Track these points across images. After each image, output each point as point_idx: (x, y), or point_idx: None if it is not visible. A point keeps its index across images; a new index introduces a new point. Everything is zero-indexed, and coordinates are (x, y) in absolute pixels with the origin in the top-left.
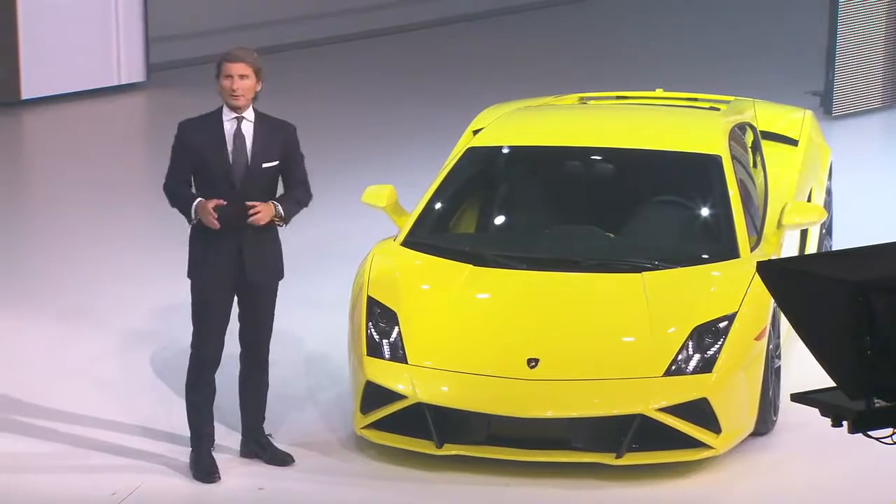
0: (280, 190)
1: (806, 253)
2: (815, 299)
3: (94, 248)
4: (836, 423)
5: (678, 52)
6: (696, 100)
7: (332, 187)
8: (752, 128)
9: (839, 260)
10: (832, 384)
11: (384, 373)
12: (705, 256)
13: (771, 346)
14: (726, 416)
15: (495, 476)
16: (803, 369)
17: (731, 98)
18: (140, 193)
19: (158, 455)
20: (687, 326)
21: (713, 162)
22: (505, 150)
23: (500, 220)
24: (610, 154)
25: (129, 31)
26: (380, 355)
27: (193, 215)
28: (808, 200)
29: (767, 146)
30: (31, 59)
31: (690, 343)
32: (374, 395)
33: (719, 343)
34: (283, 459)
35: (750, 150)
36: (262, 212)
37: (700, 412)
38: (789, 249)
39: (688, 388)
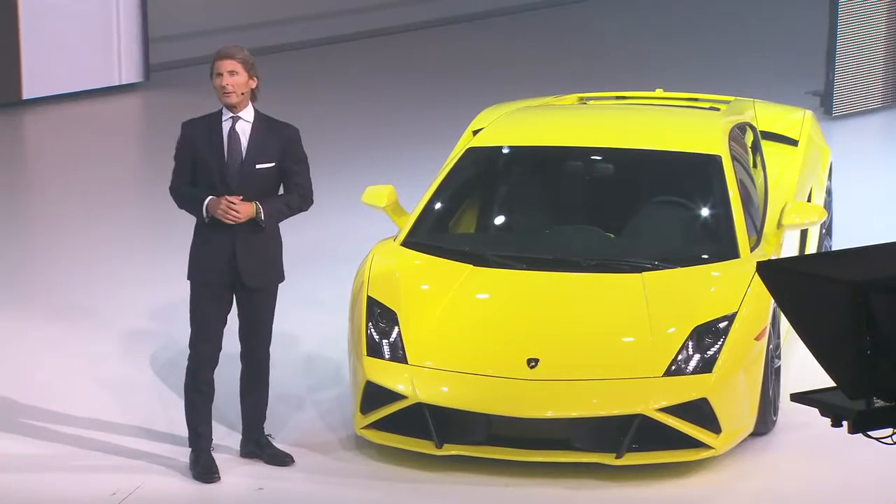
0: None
1: (806, 253)
2: (815, 299)
3: (95, 248)
4: (836, 423)
5: (678, 52)
6: (696, 100)
7: (332, 187)
8: (752, 128)
9: (839, 260)
10: (832, 384)
11: (384, 373)
12: (705, 256)
13: (771, 346)
14: (726, 417)
15: (495, 476)
16: (803, 369)
17: (731, 98)
18: (140, 193)
19: (158, 455)
20: (687, 326)
21: (713, 162)
22: (505, 150)
23: (500, 220)
24: (610, 154)
25: (129, 32)
26: (380, 355)
27: (205, 213)
28: (808, 200)
29: (767, 146)
30: (32, 59)
31: (690, 343)
32: (374, 396)
33: (719, 343)
34: (283, 459)
35: (750, 150)
36: (241, 211)
37: (700, 412)
38: (789, 249)
39: (688, 389)
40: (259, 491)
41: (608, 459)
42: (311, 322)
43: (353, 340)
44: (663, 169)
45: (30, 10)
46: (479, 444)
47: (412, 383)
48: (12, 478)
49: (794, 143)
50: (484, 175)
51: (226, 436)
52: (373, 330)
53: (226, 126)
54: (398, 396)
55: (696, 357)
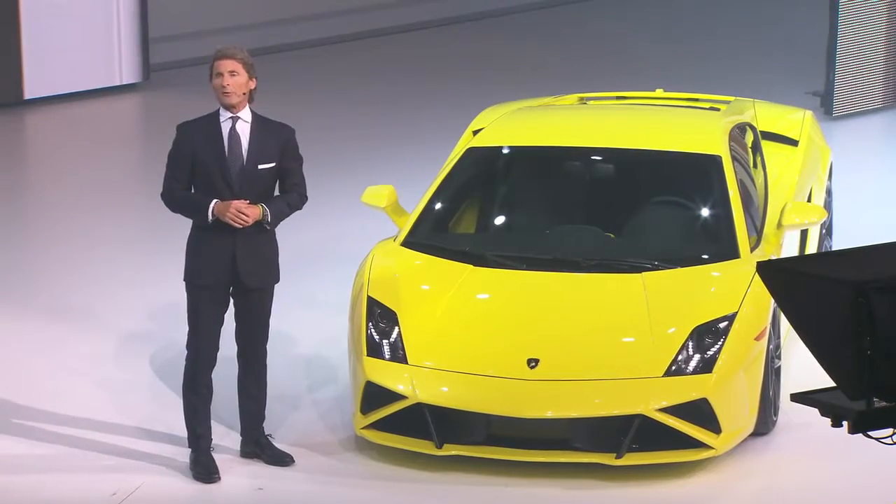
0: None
1: (806, 253)
2: (815, 299)
3: (95, 249)
4: (836, 423)
5: (678, 53)
6: (696, 100)
7: (332, 187)
8: (752, 128)
9: (839, 260)
10: (832, 384)
11: (384, 373)
12: (705, 257)
13: (771, 346)
14: (726, 417)
15: (495, 476)
16: (803, 369)
17: (731, 98)
18: (141, 194)
19: (158, 455)
20: (687, 327)
21: (713, 162)
22: (505, 151)
23: (500, 220)
24: (610, 154)
25: (129, 32)
26: (380, 355)
27: (211, 216)
28: (808, 200)
29: (767, 146)
30: (33, 59)
31: (690, 343)
32: (374, 396)
33: (719, 343)
34: (283, 459)
35: (750, 150)
36: (249, 215)
37: (700, 412)
38: (789, 249)
39: (688, 389)
40: (259, 491)
41: (608, 459)
42: (311, 322)
43: (353, 340)
44: (663, 169)
45: (31, 10)
46: (478, 444)
47: (412, 383)
48: (12, 478)
49: (794, 143)
50: (484, 175)
51: (225, 436)
52: (373, 330)
53: (225, 127)
54: (398, 396)
55: (697, 357)
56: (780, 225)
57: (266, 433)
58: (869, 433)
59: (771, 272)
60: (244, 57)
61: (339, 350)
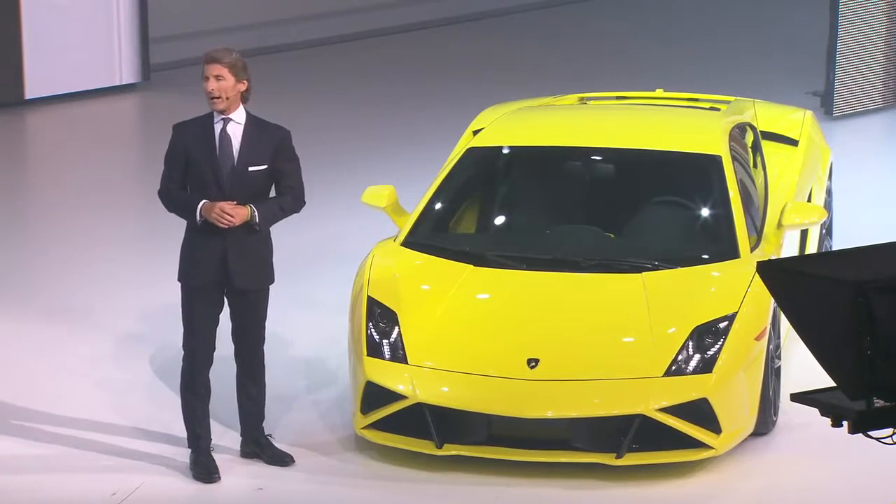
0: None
1: (806, 253)
2: (815, 299)
3: (95, 249)
4: (836, 423)
5: (678, 53)
6: (696, 100)
7: (331, 187)
8: (752, 128)
9: (839, 260)
10: (832, 384)
11: (384, 373)
12: (705, 257)
13: (771, 346)
14: (726, 417)
15: (495, 476)
16: (803, 369)
17: (731, 98)
18: (140, 194)
19: (158, 455)
20: (687, 327)
21: (713, 162)
22: (505, 151)
23: (500, 220)
24: (610, 154)
25: (130, 32)
26: (380, 355)
27: (198, 217)
28: (809, 200)
29: (767, 146)
30: (34, 59)
31: (690, 343)
32: (375, 396)
33: (719, 343)
34: (283, 459)
35: (750, 150)
36: (234, 216)
37: (700, 412)
38: (789, 249)
39: (688, 389)
40: (259, 491)
41: (608, 459)
42: (311, 322)
43: (354, 340)
44: (663, 169)
45: (31, 11)
46: (479, 444)
47: (412, 383)
48: (12, 478)
49: (794, 143)
50: (484, 175)
51: (223, 435)
52: (373, 330)
53: (217, 128)
54: (398, 396)
55: (697, 357)
56: (780, 225)
57: (266, 433)
58: (869, 433)
59: (771, 272)
60: (231, 61)
61: (338, 350)
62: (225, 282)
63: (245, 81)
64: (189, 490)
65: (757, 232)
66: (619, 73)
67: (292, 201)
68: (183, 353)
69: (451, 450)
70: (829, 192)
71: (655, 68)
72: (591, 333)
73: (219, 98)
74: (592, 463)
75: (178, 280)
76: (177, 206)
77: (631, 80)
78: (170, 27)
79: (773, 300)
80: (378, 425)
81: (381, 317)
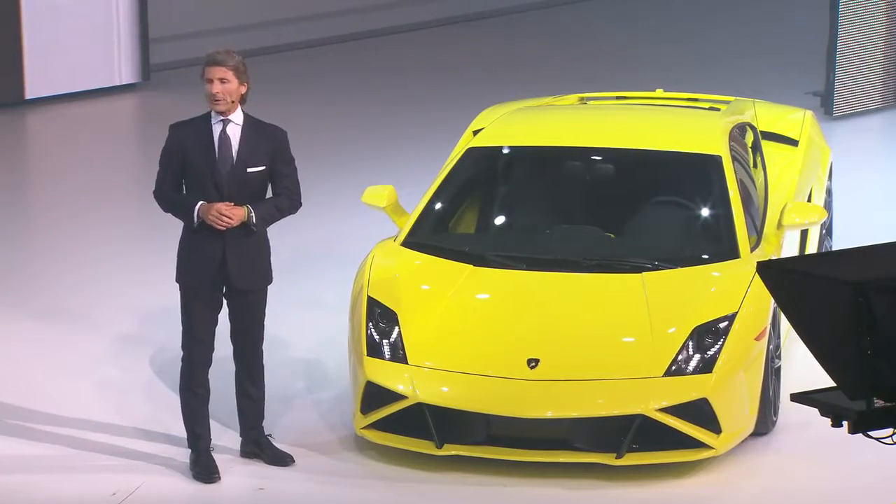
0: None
1: (806, 253)
2: (815, 299)
3: (94, 249)
4: (836, 423)
5: (678, 53)
6: (696, 100)
7: (331, 187)
8: (752, 128)
9: (839, 260)
10: (832, 384)
11: (384, 373)
12: (705, 257)
13: (771, 346)
14: (726, 417)
15: (495, 476)
16: (803, 369)
17: (731, 98)
18: (140, 195)
19: (158, 455)
20: (687, 327)
21: (713, 162)
22: (505, 151)
23: (500, 220)
24: (610, 154)
25: (129, 32)
26: (380, 355)
27: (196, 218)
28: (809, 201)
29: (767, 146)
30: (34, 59)
31: (690, 343)
32: (375, 396)
33: (719, 343)
34: (283, 459)
35: (750, 150)
36: (231, 217)
37: (700, 412)
38: (789, 249)
39: (688, 389)
40: (259, 491)
41: (608, 459)
42: (311, 322)
43: (354, 340)
44: (663, 169)
45: (32, 11)
46: (479, 444)
47: (412, 383)
48: (12, 478)
49: (794, 143)
50: (484, 175)
51: (223, 435)
52: (373, 330)
53: (216, 129)
54: (398, 396)
55: (697, 357)
56: (780, 225)
57: (266, 433)
58: (869, 433)
59: (771, 272)
60: (235, 63)
61: (339, 350)
62: (223, 282)
63: (246, 83)
64: (189, 490)
65: (757, 232)
66: (619, 73)
67: (289, 202)
68: (182, 353)
69: (450, 450)
70: (829, 192)
71: (655, 68)
72: (591, 333)
73: (222, 101)
74: (592, 463)
75: (177, 281)
76: (173, 207)
77: (631, 80)
78: (169, 27)
79: (773, 300)
80: (378, 425)
81: (381, 317)
